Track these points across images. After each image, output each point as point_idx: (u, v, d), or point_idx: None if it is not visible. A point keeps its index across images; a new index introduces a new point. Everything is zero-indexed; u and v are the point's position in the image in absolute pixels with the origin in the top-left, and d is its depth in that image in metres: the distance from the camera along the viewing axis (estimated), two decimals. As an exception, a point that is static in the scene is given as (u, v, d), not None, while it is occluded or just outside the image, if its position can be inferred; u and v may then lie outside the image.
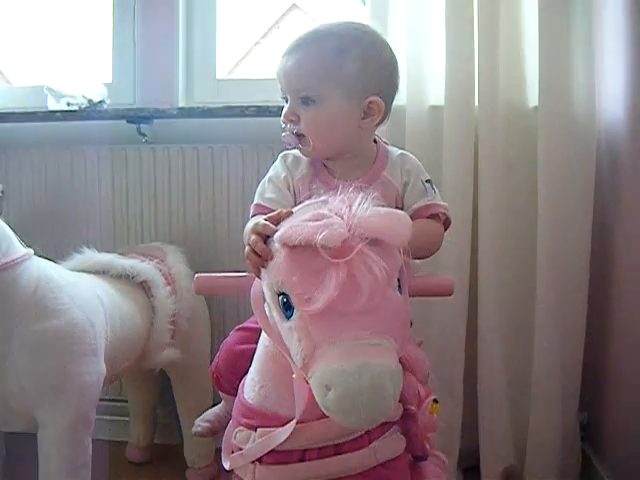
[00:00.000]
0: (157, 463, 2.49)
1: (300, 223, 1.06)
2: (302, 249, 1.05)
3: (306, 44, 1.43)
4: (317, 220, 1.05)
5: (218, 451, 2.25)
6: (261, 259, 1.14)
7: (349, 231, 1.03)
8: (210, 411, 1.77)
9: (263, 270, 1.15)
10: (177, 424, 2.40)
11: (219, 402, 1.77)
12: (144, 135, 2.50)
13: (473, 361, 2.22)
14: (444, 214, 1.49)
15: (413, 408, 1.34)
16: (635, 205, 1.96)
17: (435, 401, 1.40)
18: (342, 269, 1.01)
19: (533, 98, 2.17)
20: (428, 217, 1.47)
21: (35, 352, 1.66)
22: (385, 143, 1.57)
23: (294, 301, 1.06)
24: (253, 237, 1.15)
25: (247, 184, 2.43)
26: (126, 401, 2.50)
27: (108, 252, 2.17)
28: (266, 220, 1.17)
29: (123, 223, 2.56)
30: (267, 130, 2.34)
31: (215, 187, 2.48)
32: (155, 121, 2.49)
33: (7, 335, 1.65)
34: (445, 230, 1.51)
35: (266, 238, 1.15)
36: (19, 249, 1.71)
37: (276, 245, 1.10)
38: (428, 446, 1.39)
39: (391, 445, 1.30)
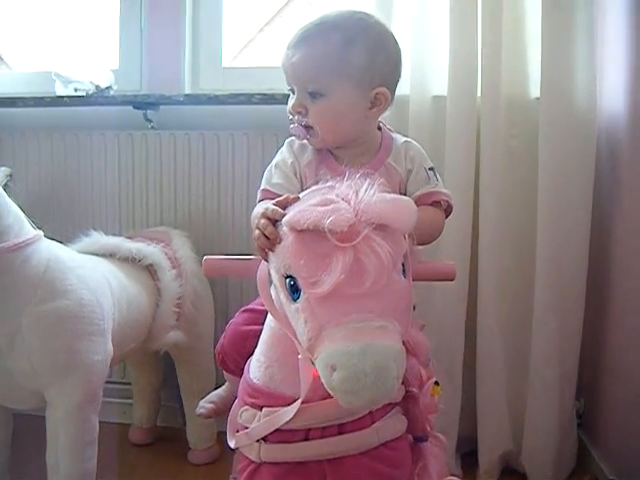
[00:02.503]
0: (159, 445, 2.53)
1: (308, 208, 1.08)
2: (309, 233, 1.07)
3: (312, 37, 1.44)
4: (325, 205, 1.07)
5: (220, 433, 2.30)
6: (270, 242, 1.16)
7: (356, 216, 1.05)
8: (214, 393, 1.79)
9: (271, 253, 1.17)
10: (179, 407, 2.44)
11: (222, 385, 1.80)
12: (150, 121, 2.53)
13: (472, 347, 2.26)
14: (446, 201, 1.51)
15: (415, 390, 1.37)
16: (634, 196, 1.99)
17: (436, 383, 1.43)
18: (348, 253, 1.04)
19: (535, 90, 2.20)
20: (430, 204, 1.49)
21: (44, 331, 1.69)
22: (389, 130, 1.59)
23: (301, 284, 1.09)
24: (263, 221, 1.17)
25: (252, 170, 2.46)
26: (129, 384, 2.54)
27: (114, 236, 2.20)
28: (275, 205, 1.20)
29: (129, 207, 2.59)
30: (272, 117, 2.37)
31: (220, 173, 2.51)
32: (161, 107, 2.52)
33: (17, 314, 1.68)
34: (446, 217, 1.53)
35: (275, 222, 1.17)
36: (30, 231, 1.74)
37: (284, 229, 1.12)
38: (429, 427, 1.42)
39: (393, 426, 1.33)
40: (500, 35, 2.16)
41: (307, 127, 1.46)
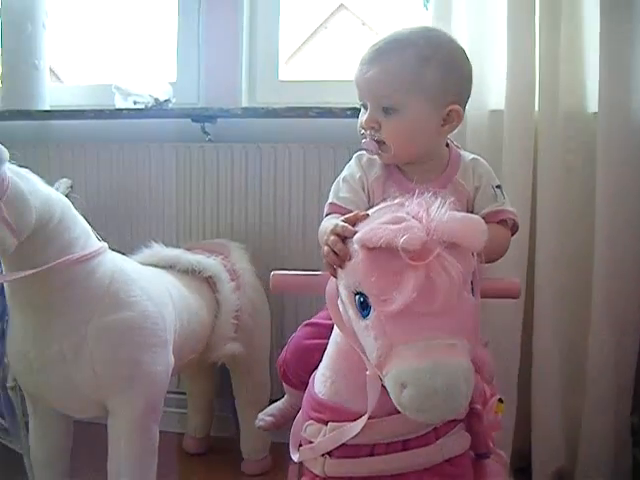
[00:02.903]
0: (213, 454, 2.55)
1: (380, 225, 1.09)
2: (380, 251, 1.08)
3: (387, 53, 1.45)
4: (396, 223, 1.08)
5: (273, 444, 2.31)
6: (339, 259, 1.18)
7: (427, 234, 1.06)
8: (273, 405, 1.81)
9: (340, 270, 1.19)
10: (233, 416, 2.46)
11: (276, 395, 1.81)
12: (208, 134, 2.54)
13: (528, 361, 2.24)
14: (512, 219, 1.53)
15: (479, 407, 1.36)
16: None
17: (500, 401, 1.44)
18: (420, 271, 1.05)
19: (593, 104, 2.18)
20: (496, 222, 1.50)
21: (109, 342, 1.72)
22: (457, 147, 1.60)
23: (372, 301, 1.10)
24: (332, 238, 1.19)
25: (308, 183, 2.48)
26: (183, 393, 2.56)
27: (172, 247, 2.22)
28: (344, 221, 1.21)
29: (186, 219, 2.62)
30: (329, 130, 2.40)
31: (277, 185, 2.52)
32: (218, 120, 2.54)
33: (83, 325, 1.70)
34: (512, 235, 1.55)
35: (344, 239, 1.19)
36: (96, 243, 1.77)
37: (355, 246, 1.13)
38: (491, 444, 1.42)
39: (457, 442, 1.32)
40: (558, 49, 2.15)
41: (379, 142, 1.47)
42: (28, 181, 1.65)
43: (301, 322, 2.26)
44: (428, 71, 1.43)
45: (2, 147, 1.56)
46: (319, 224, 2.38)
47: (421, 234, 1.06)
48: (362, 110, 1.51)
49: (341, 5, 6.15)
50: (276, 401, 1.81)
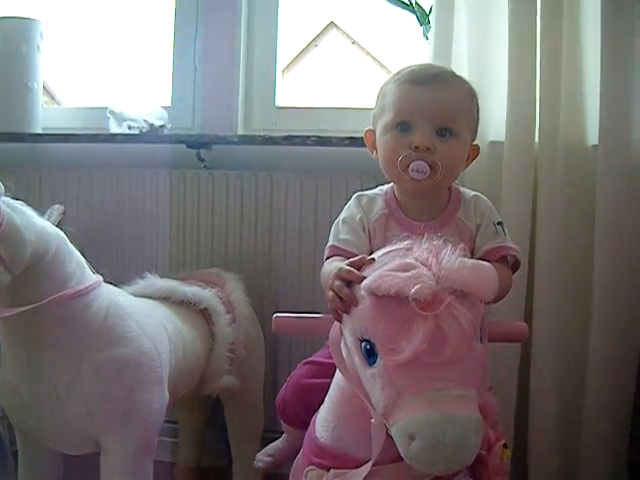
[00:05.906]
0: (204, 485, 2.52)
1: (389, 273, 1.08)
2: (389, 298, 1.07)
3: (447, 81, 1.49)
4: (405, 270, 1.07)
5: (267, 476, 2.28)
6: (345, 305, 1.16)
7: (437, 282, 1.05)
8: (271, 445, 1.80)
9: (345, 315, 1.17)
10: (224, 447, 2.41)
11: (268, 427, 1.78)
12: (203, 160, 2.51)
13: (525, 399, 2.21)
14: (513, 256, 1.52)
15: (483, 452, 1.34)
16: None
17: (505, 446, 1.41)
18: (430, 320, 1.04)
19: (593, 136, 2.17)
20: (497, 260, 1.48)
21: (104, 379, 1.68)
22: (455, 183, 1.59)
23: (379, 350, 1.09)
24: (337, 283, 1.17)
25: (304, 213, 2.44)
26: (175, 422, 2.52)
27: (163, 276, 2.18)
28: (349, 265, 1.19)
29: (179, 247, 2.57)
30: (326, 159, 2.37)
31: (272, 215, 2.48)
32: (214, 147, 2.50)
33: (77, 361, 1.66)
34: (514, 273, 1.53)
35: (350, 283, 1.17)
36: (91, 277, 1.74)
37: (362, 292, 1.12)
38: (496, 491, 1.40)
39: (461, 489, 1.31)
40: (558, 81, 2.14)
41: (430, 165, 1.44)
42: (23, 214, 1.61)
43: (295, 353, 2.24)
44: (473, 107, 1.54)
45: None
46: (315, 254, 2.39)
47: (431, 283, 1.05)
48: (395, 131, 1.47)
49: (331, 23, 6.19)
50: (268, 433, 1.80)
